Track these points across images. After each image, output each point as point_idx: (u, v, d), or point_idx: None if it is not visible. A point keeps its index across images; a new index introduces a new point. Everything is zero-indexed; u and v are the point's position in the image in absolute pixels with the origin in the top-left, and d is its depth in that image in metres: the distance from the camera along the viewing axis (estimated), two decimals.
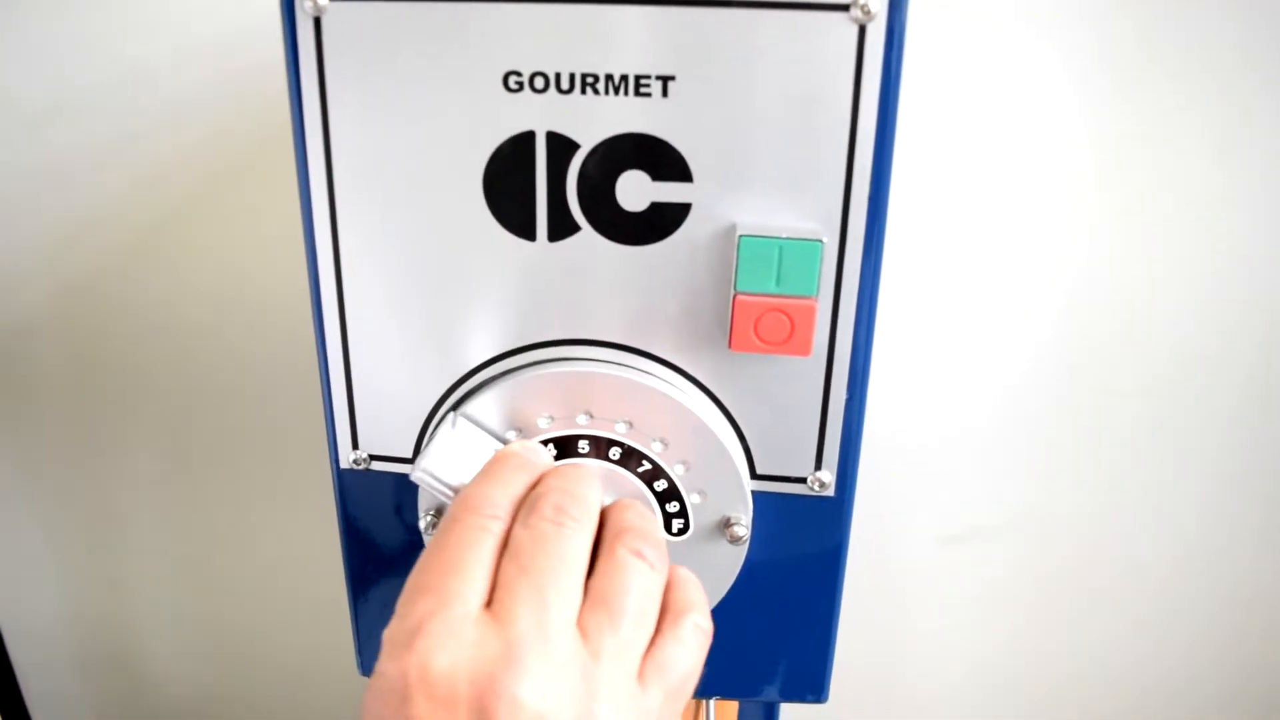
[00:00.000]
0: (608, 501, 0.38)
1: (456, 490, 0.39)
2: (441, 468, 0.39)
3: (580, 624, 0.31)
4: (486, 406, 0.41)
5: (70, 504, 0.88)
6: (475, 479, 0.36)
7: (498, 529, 0.33)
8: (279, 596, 0.91)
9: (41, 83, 0.71)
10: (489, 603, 0.31)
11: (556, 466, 0.37)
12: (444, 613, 0.30)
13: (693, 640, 0.34)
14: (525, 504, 0.34)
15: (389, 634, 0.31)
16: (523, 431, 0.42)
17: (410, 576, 0.32)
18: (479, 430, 0.42)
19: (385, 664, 0.30)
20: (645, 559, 0.34)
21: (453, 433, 0.40)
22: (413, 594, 0.31)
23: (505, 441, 0.42)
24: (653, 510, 0.41)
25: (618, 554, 0.33)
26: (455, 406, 0.42)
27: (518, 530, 0.33)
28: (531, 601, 0.30)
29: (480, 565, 0.32)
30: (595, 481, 0.36)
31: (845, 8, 0.35)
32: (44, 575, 0.91)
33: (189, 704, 0.97)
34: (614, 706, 0.30)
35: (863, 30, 0.35)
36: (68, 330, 0.80)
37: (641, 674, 0.32)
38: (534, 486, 0.36)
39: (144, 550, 0.89)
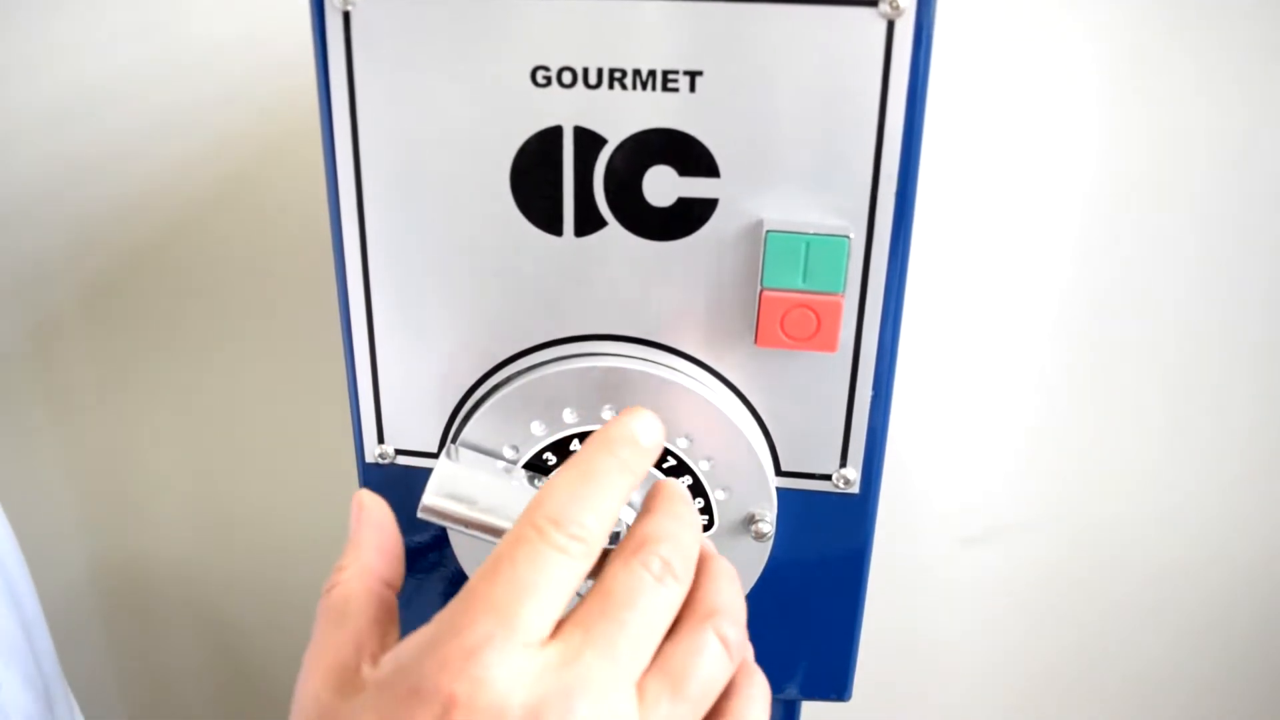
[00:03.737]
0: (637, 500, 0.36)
1: (467, 523, 0.38)
2: (445, 502, 0.38)
3: (641, 684, 0.30)
4: (491, 419, 0.41)
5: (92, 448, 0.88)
6: (565, 479, 0.31)
7: (582, 557, 0.30)
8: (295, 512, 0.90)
9: (78, 78, 0.72)
10: (556, 630, 0.29)
11: (663, 497, 0.34)
12: (508, 639, 0.28)
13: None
14: (631, 539, 0.32)
15: (437, 637, 0.29)
16: (520, 448, 0.41)
17: (475, 583, 0.29)
18: (480, 456, 0.41)
19: (431, 672, 0.28)
20: (729, 648, 0.31)
21: (452, 465, 0.39)
22: (477, 607, 0.29)
23: (509, 463, 0.41)
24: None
25: (705, 635, 0.31)
26: (475, 408, 0.42)
27: (615, 566, 0.31)
28: (604, 649, 0.29)
29: (557, 594, 0.29)
30: (700, 532, 0.34)
31: (874, 3, 0.35)
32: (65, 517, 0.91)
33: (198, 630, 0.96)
34: None
35: (891, 26, 0.35)
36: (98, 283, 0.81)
37: None
38: (639, 516, 0.33)
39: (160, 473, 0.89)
